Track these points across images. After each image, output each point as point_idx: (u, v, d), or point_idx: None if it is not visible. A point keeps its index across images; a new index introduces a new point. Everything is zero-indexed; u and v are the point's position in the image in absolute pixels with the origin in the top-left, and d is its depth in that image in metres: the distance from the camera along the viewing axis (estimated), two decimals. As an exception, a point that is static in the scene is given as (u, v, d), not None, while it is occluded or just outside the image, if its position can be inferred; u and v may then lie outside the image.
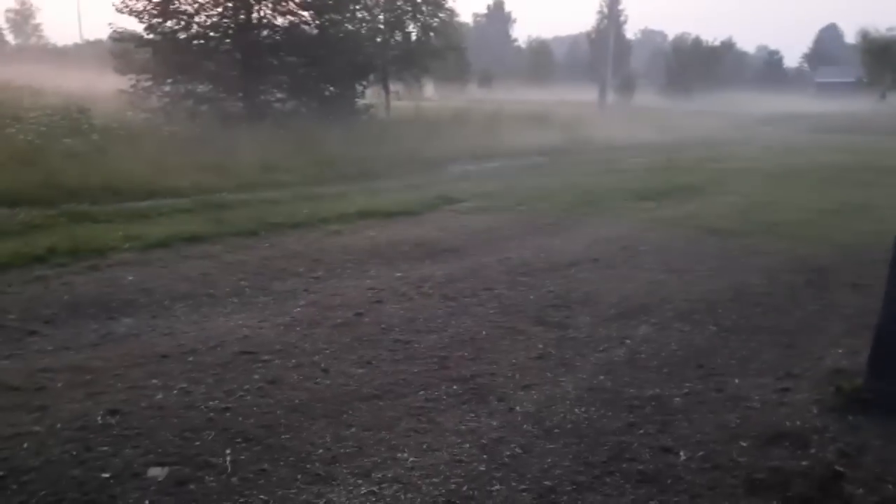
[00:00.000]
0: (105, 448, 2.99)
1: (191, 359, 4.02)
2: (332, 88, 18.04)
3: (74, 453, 2.94)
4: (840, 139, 23.73)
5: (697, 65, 56.91)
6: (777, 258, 6.78)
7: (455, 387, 3.80)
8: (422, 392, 3.73)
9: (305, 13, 17.77)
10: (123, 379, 3.71)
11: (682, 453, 3.12)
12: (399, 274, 6.01)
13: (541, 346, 4.43)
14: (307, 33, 17.92)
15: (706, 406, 3.61)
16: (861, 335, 4.29)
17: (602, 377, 3.96)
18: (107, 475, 2.80)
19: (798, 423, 3.41)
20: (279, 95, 17.73)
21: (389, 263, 6.36)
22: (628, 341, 4.53)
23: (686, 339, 4.59)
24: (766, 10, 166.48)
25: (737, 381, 3.92)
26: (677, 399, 3.69)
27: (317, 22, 17.87)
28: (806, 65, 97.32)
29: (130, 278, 5.56)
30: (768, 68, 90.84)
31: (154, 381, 3.70)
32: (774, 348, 4.42)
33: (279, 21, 17.67)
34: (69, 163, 9.73)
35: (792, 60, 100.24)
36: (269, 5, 17.40)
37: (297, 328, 4.63)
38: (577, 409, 3.56)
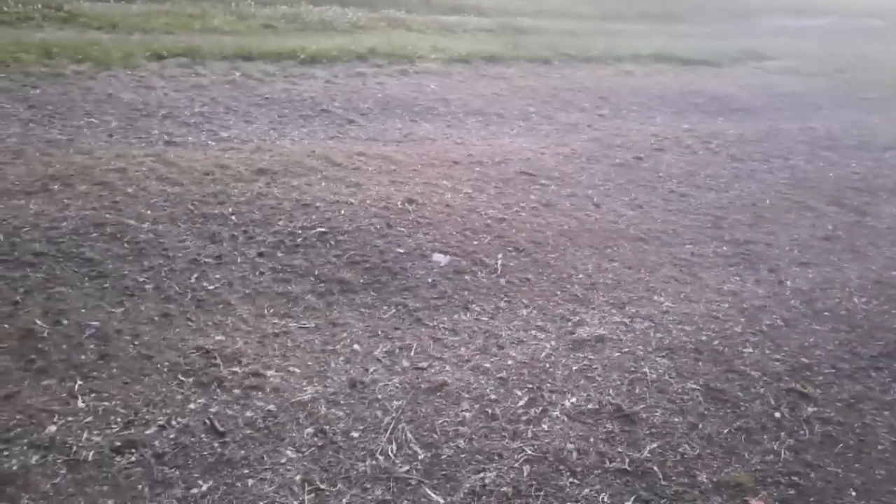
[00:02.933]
0: (402, 229, 3.49)
1: (477, 169, 4.38)
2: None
3: (378, 227, 3.47)
4: None
5: None
6: None
7: (725, 248, 3.73)
8: (689, 245, 3.72)
9: None
10: (420, 175, 4.18)
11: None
12: (686, 126, 5.77)
13: (830, 226, 4.11)
14: None
15: None
16: None
17: (894, 273, 3.62)
18: (401, 251, 3.29)
19: None
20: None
21: (678, 113, 6.10)
22: (938, 243, 4.01)
23: None
24: None
25: None
26: (981, 316, 3.27)
27: None
28: None
29: (433, 87, 6.03)
30: None
31: (445, 182, 4.12)
32: None
33: None
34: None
35: None
36: None
37: (576, 160, 4.76)
38: (855, 299, 3.34)
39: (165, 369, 2.29)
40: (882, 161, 5.38)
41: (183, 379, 2.26)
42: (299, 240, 3.23)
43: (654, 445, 2.19)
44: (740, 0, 13.43)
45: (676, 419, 2.32)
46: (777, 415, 2.40)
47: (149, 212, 3.29)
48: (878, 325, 3.12)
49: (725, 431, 2.29)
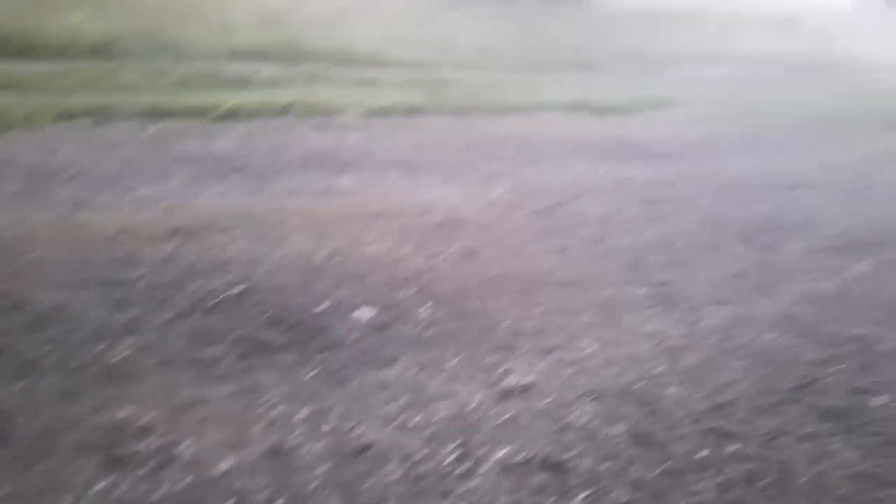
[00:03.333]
0: (324, 285, 3.42)
1: (400, 221, 4.37)
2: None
3: (299, 283, 3.40)
4: None
5: None
6: None
7: (644, 290, 3.81)
8: (609, 289, 3.79)
9: None
10: (342, 229, 4.15)
11: (880, 398, 2.95)
12: (603, 172, 5.96)
13: (741, 265, 4.27)
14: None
15: (919, 357, 3.33)
16: None
17: (803, 307, 3.77)
18: (324, 307, 3.22)
19: None
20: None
21: (595, 160, 6.30)
22: (841, 275, 4.22)
23: (910, 284, 4.18)
24: None
25: (962, 337, 3.55)
26: (885, 344, 3.44)
27: None
28: None
29: (354, 140, 6.05)
30: None
31: (367, 235, 4.10)
32: None
33: None
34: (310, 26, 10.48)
35: None
36: None
37: (498, 209, 4.83)
38: (768, 335, 3.45)
39: (69, 449, 2.14)
40: (788, 199, 5.67)
41: (88, 458, 2.11)
42: (216, 301, 3.12)
43: (585, 494, 2.17)
44: (652, 50, 14.14)
45: (605, 465, 2.32)
46: (701, 454, 2.43)
47: (52, 279, 3.12)
48: (791, 359, 3.23)
49: (653, 475, 2.29)
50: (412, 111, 7.16)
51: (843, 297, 3.94)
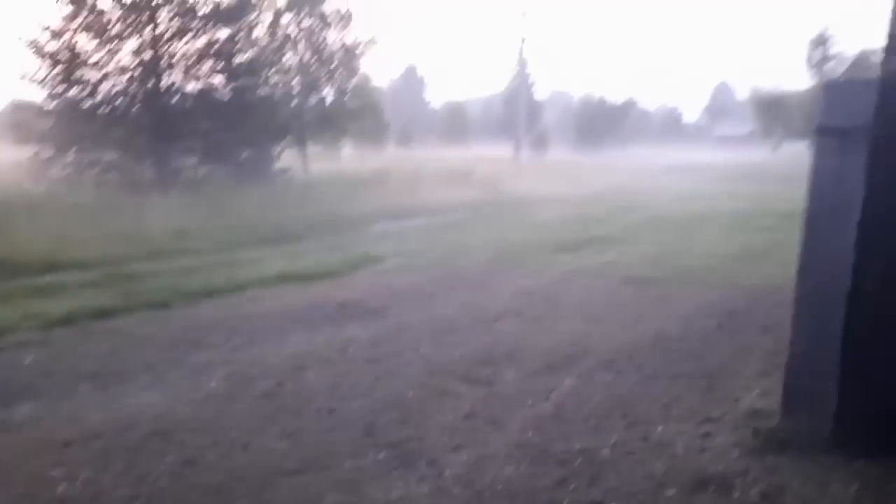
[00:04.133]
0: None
1: (98, 444, 3.75)
2: (247, 152, 17.88)
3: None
4: (740, 187, 25.10)
5: (604, 122, 59.62)
6: (690, 304, 7.02)
7: (383, 454, 3.69)
8: (348, 462, 3.60)
9: (217, 78, 17.70)
10: (21, 469, 3.42)
11: (613, 507, 3.11)
12: (322, 338, 5.87)
13: (468, 404, 4.39)
14: (220, 98, 17.81)
15: (633, 456, 3.63)
16: (773, 375, 4.45)
17: (530, 433, 3.94)
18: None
19: (721, 467, 3.46)
20: (191, 161, 17.43)
21: (311, 329, 6.21)
22: (554, 394, 4.54)
23: (610, 388, 4.64)
24: (662, 72, 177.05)
25: (660, 428, 3.97)
26: (605, 451, 3.70)
27: (230, 87, 17.79)
28: (704, 120, 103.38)
29: (30, 360, 5.21)
30: (669, 124, 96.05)
31: (56, 471, 3.42)
32: (694, 393, 4.52)
33: (190, 87, 17.52)
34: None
35: (691, 116, 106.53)
36: (180, 72, 17.24)
37: (214, 403, 4.43)
38: (507, 469, 3.51)
39: None
40: (494, 331, 6.09)
41: None
42: None
43: None
44: (346, 213, 14.88)
45: None
46: None
47: None
48: (534, 488, 3.30)
49: None
50: (102, 314, 6.46)
51: (561, 415, 4.22)
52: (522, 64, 36.01)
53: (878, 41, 3.14)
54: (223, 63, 17.38)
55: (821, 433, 3.51)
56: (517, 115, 35.39)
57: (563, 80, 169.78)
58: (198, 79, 17.42)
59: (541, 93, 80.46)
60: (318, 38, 21.87)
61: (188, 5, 16.92)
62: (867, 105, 3.12)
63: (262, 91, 18.96)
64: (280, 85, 21.13)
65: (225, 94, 17.81)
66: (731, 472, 3.40)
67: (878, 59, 3.23)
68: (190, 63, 17.17)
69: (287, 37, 21.52)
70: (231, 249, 10.75)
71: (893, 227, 3.14)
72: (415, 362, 5.24)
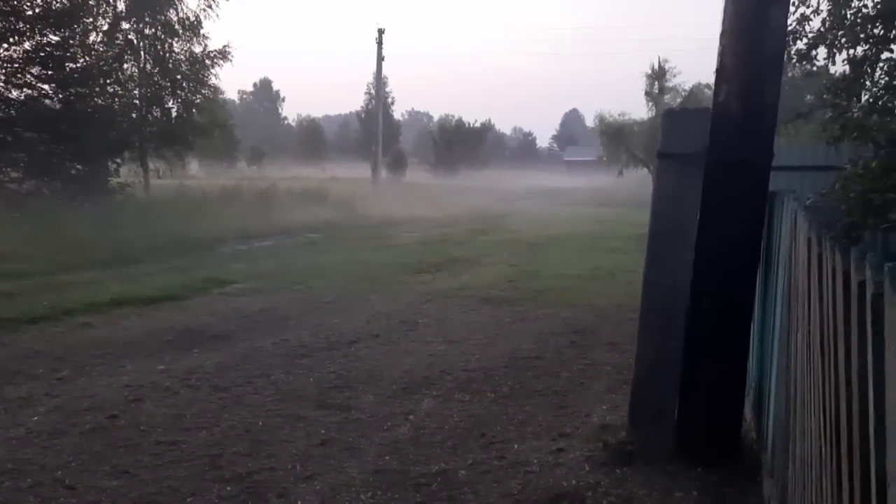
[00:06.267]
0: None
1: None
2: (79, 167, 16.43)
3: None
4: (589, 211, 26.57)
5: (462, 144, 61.11)
6: (544, 322, 7.22)
7: (229, 488, 3.43)
8: (190, 499, 3.32)
9: (46, 86, 16.19)
10: None
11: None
12: (162, 367, 5.44)
13: (323, 431, 4.21)
14: (49, 108, 16.29)
15: (490, 475, 3.62)
16: (620, 391, 4.64)
17: (388, 458, 3.83)
18: None
19: (574, 481, 3.53)
20: (14, 175, 15.78)
21: (151, 356, 5.75)
22: (412, 417, 4.47)
23: (467, 409, 4.64)
24: (518, 95, 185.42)
25: (516, 446, 4.00)
26: (462, 472, 3.67)
27: (60, 96, 16.32)
28: (555, 145, 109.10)
29: None
30: (524, 148, 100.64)
31: None
32: (548, 410, 4.62)
33: (14, 94, 15.90)
34: None
35: (543, 141, 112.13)
36: (1, 77, 15.62)
37: (36, 441, 3.96)
38: (363, 496, 3.38)
39: None
40: (350, 355, 5.92)
41: None
42: None
43: None
44: (192, 233, 14.05)
45: None
46: None
47: None
48: (389, 516, 3.18)
49: None
50: None
51: (419, 438, 4.14)
52: (380, 82, 36.07)
53: (710, 75, 3.39)
54: (52, 70, 15.92)
55: (664, 444, 3.68)
56: (375, 135, 35.40)
57: (421, 100, 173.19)
58: (23, 86, 15.83)
59: (398, 112, 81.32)
60: (162, 47, 20.62)
61: (12, 6, 15.38)
62: (702, 132, 3.34)
63: (98, 101, 17.55)
64: (119, 96, 19.69)
65: (55, 103, 16.31)
66: (583, 485, 3.48)
67: (709, 91, 3.47)
68: (13, 69, 15.60)
69: (128, 44, 20.12)
70: (60, 272, 9.79)
71: (726, 246, 3.37)
72: (265, 389, 4.98)
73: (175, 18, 20.89)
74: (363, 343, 6.33)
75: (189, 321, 7.03)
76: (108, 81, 18.59)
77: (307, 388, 5.04)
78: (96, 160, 16.75)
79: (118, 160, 18.39)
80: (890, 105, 5.15)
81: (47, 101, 16.40)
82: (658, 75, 34.95)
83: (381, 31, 34.55)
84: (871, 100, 5.43)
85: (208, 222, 15.63)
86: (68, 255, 10.77)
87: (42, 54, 15.95)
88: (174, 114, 21.55)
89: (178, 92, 21.20)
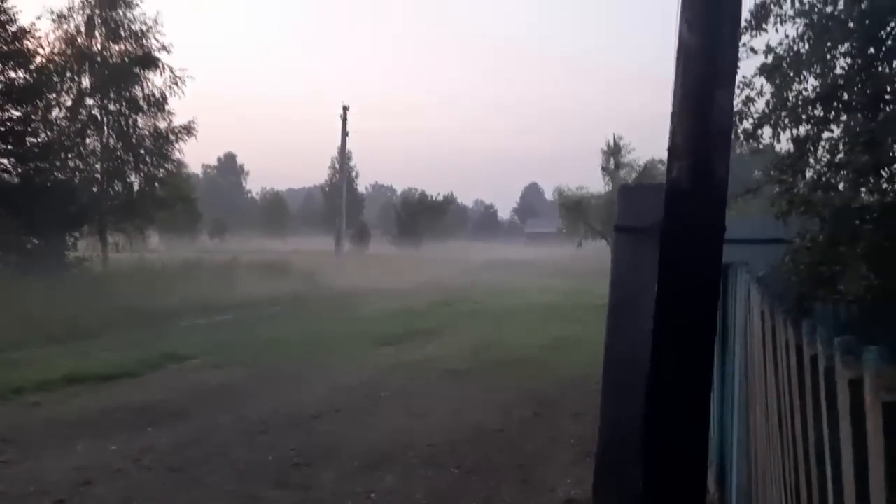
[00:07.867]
0: None
1: None
2: (35, 240, 16.12)
3: None
4: (550, 282, 26.81)
5: (424, 216, 61.69)
6: (508, 394, 7.18)
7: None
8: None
9: (5, 160, 16.04)
10: None
11: None
12: (114, 447, 5.24)
13: (282, 512, 4.06)
14: (7, 182, 16.09)
15: (456, 556, 3.52)
16: (585, 463, 4.60)
17: (350, 540, 3.71)
18: None
19: (541, 559, 3.45)
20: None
21: (103, 435, 5.53)
22: (373, 495, 4.35)
23: (430, 484, 4.54)
24: (479, 169, 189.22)
25: (482, 523, 3.91)
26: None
27: (20, 170, 16.16)
28: (516, 217, 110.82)
29: None
30: (485, 220, 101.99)
31: None
32: (512, 485, 4.54)
33: (-29, 168, 15.71)
34: None
35: (504, 213, 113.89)
36: (-42, 151, 15.45)
37: (-27, 531, 3.74)
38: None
39: None
40: (312, 431, 5.79)
41: None
42: None
43: None
44: (151, 307, 13.77)
45: None
46: None
47: None
48: None
49: None
50: None
51: (381, 517, 4.03)
52: (344, 157, 36.51)
53: (663, 151, 3.53)
54: (12, 145, 15.80)
55: (630, 517, 3.63)
56: (338, 208, 35.56)
57: (384, 173, 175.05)
58: (-21, 160, 15.67)
59: (362, 186, 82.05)
60: (126, 123, 20.64)
61: (-27, 81, 15.39)
62: (656, 206, 3.44)
63: (58, 175, 17.38)
64: (80, 170, 19.52)
65: (13, 177, 16.11)
66: (550, 564, 3.40)
67: (663, 166, 3.61)
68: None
69: (92, 119, 20.11)
70: (11, 349, 9.46)
71: (684, 316, 3.43)
72: (223, 468, 4.81)
73: (140, 95, 20.98)
74: (324, 418, 6.20)
75: (144, 398, 6.81)
76: (69, 156, 18.50)
77: (266, 466, 4.89)
78: (54, 234, 16.48)
79: (76, 234, 18.11)
80: (833, 181, 5.38)
81: (5, 175, 16.21)
82: (613, 151, 36.05)
83: (345, 108, 35.29)
84: (815, 176, 5.68)
85: (167, 296, 15.33)
86: (20, 331, 10.42)
87: (2, 129, 15.86)
88: (136, 188, 21.39)
89: (141, 166, 21.13)
